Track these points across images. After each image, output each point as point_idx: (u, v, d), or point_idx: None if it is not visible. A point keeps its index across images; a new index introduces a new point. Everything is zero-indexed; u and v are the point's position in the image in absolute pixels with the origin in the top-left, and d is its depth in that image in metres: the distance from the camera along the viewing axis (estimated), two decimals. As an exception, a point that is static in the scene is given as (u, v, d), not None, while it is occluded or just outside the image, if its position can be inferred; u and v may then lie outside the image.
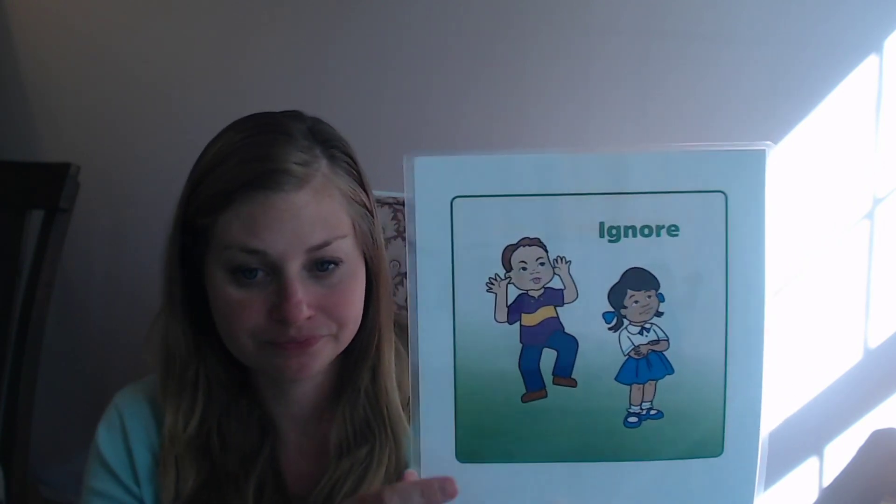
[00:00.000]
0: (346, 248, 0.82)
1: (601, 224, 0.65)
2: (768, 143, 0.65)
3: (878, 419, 1.37)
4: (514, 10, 1.51)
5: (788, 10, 1.35)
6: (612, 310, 0.66)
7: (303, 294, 0.79)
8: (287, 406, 0.91)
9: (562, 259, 0.66)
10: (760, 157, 0.65)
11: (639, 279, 0.66)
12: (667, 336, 0.66)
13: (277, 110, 0.88)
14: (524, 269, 0.66)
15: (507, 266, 0.66)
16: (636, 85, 1.45)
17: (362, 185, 0.86)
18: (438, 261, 0.66)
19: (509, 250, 0.66)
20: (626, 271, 0.66)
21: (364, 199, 0.85)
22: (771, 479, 1.42)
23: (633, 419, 0.67)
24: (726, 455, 0.67)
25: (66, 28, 1.93)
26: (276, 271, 0.79)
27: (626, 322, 0.66)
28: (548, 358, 0.66)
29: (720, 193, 0.65)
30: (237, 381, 0.90)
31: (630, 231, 0.65)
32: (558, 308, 0.66)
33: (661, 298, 0.66)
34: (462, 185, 0.66)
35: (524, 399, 0.67)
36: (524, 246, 0.66)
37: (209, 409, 0.88)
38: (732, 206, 0.65)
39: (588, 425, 0.67)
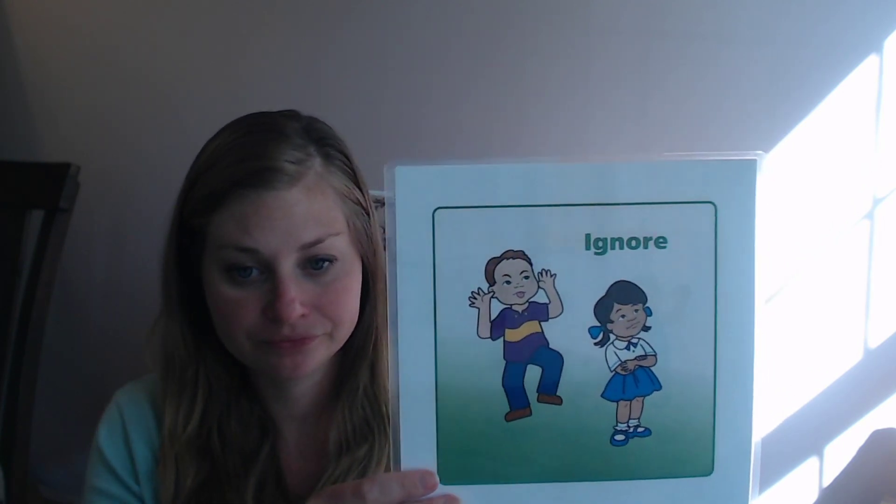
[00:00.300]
0: (341, 246, 0.82)
1: (587, 236, 0.63)
2: (759, 152, 0.64)
3: (878, 419, 1.37)
4: (514, 10, 1.51)
5: (788, 10, 1.35)
6: (598, 324, 0.64)
7: (296, 292, 0.79)
8: (286, 405, 0.91)
9: (547, 272, 0.64)
10: (751, 166, 0.64)
11: (626, 292, 0.64)
12: (654, 351, 0.64)
13: (275, 110, 0.89)
14: (508, 282, 0.64)
15: (491, 279, 0.64)
16: (636, 85, 1.45)
17: (357, 183, 0.86)
18: (420, 273, 0.63)
19: (492, 263, 0.64)
20: (613, 284, 0.64)
21: (359, 197, 0.85)
22: (771, 480, 1.42)
23: (619, 437, 0.65)
24: (717, 474, 0.65)
25: (66, 28, 1.93)
26: (269, 269, 0.79)
27: (612, 337, 0.64)
28: (532, 374, 0.64)
29: (709, 204, 0.63)
30: (237, 381, 0.90)
31: (617, 243, 0.64)
32: (543, 323, 0.64)
33: (648, 312, 0.64)
34: (444, 195, 0.63)
35: (508, 418, 0.65)
36: (508, 259, 0.64)
37: (209, 408, 0.88)
38: (722, 217, 0.63)
39: (574, 444, 0.65)
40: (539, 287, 0.64)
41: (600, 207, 0.63)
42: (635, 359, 0.64)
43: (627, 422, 0.65)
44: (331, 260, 0.81)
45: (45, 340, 1.64)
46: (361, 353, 0.88)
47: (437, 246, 0.63)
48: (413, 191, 0.63)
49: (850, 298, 1.38)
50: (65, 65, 1.95)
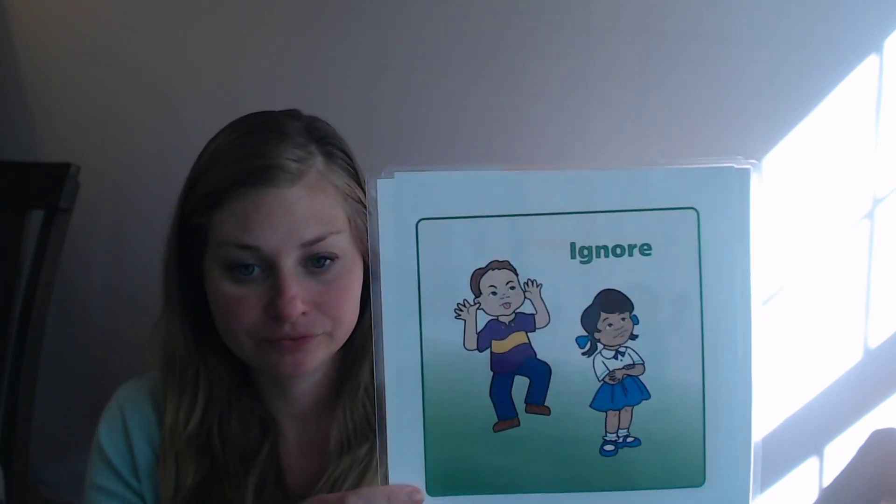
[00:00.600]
0: (342, 244, 0.82)
1: (572, 245, 0.63)
2: (738, 157, 0.64)
3: (878, 419, 1.37)
4: (514, 10, 1.51)
5: (788, 10, 1.35)
6: (585, 334, 0.64)
7: (297, 289, 0.79)
8: (287, 404, 0.91)
9: (533, 282, 0.64)
10: (733, 173, 0.63)
11: (612, 301, 0.64)
12: (642, 360, 0.64)
13: (276, 110, 0.89)
14: (494, 293, 0.63)
15: (476, 291, 0.63)
16: (636, 85, 1.45)
17: (359, 181, 0.86)
18: (404, 286, 0.63)
19: (478, 274, 0.63)
20: (599, 293, 0.64)
21: (360, 195, 0.85)
22: (771, 480, 1.42)
23: (609, 447, 0.65)
24: (708, 484, 0.65)
25: (66, 28, 1.93)
26: (270, 267, 0.80)
27: (599, 346, 0.64)
28: (520, 385, 0.64)
29: (692, 210, 0.63)
30: (238, 380, 0.90)
31: (602, 251, 0.63)
32: (530, 334, 0.64)
33: (635, 321, 0.64)
34: (427, 206, 0.63)
35: (496, 428, 0.64)
36: (493, 269, 0.63)
37: (210, 407, 0.89)
38: (705, 223, 0.63)
39: (563, 454, 0.64)
40: (525, 297, 0.64)
41: (584, 216, 0.63)
42: (623, 368, 0.64)
43: (616, 432, 0.65)
44: (332, 258, 0.81)
45: (45, 340, 1.64)
46: (362, 352, 0.89)
47: (422, 257, 0.63)
48: (395, 203, 0.63)
49: (850, 298, 1.38)
50: (65, 65, 1.95)
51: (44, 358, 1.64)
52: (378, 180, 0.63)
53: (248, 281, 0.80)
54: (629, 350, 0.64)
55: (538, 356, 0.64)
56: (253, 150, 0.81)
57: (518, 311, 0.64)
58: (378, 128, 1.61)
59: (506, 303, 0.64)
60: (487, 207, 0.63)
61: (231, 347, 0.85)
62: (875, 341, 1.38)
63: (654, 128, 1.45)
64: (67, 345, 1.99)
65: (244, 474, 0.87)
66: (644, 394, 0.64)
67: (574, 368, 0.64)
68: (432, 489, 0.64)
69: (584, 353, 0.64)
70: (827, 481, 1.42)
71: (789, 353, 1.40)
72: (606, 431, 0.65)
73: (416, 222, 0.63)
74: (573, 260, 0.63)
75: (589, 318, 0.64)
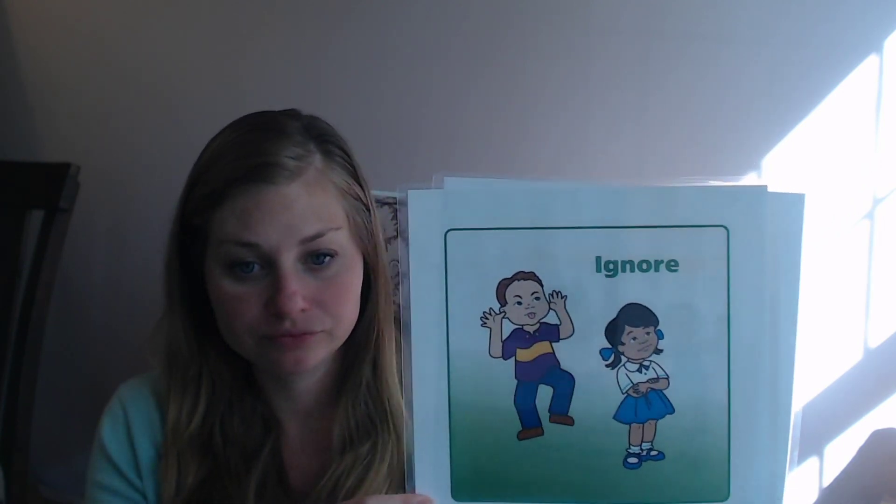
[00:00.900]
0: (341, 241, 0.82)
1: (598, 258, 0.64)
2: (773, 178, 0.65)
3: (878, 419, 1.37)
4: (514, 10, 1.51)
5: (788, 10, 1.35)
6: (609, 346, 0.64)
7: (297, 286, 0.79)
8: (289, 401, 0.91)
9: (558, 294, 0.64)
10: (762, 192, 0.64)
11: (637, 315, 0.64)
12: (667, 374, 0.64)
13: (276, 110, 0.89)
14: (519, 303, 0.65)
15: (502, 300, 0.64)
16: (636, 85, 1.45)
17: (358, 179, 0.86)
18: (432, 294, 0.64)
19: (504, 284, 0.64)
20: (624, 307, 0.64)
21: (359, 193, 0.86)
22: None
23: (632, 460, 0.65)
24: (733, 500, 0.65)
25: (66, 28, 1.94)
26: (271, 264, 0.80)
27: (624, 359, 0.64)
28: (544, 395, 0.65)
29: (722, 228, 0.64)
30: (240, 379, 0.90)
31: (628, 266, 0.64)
32: (554, 344, 0.65)
33: (660, 335, 0.64)
34: (456, 217, 0.64)
35: (520, 436, 0.65)
36: (519, 280, 0.65)
37: (212, 406, 0.89)
38: (735, 241, 0.64)
39: (586, 465, 0.65)
40: (550, 308, 0.65)
41: (611, 230, 0.64)
42: (647, 381, 0.64)
43: (640, 445, 0.65)
44: (332, 255, 0.81)
45: (45, 340, 1.64)
46: (363, 349, 0.89)
47: (450, 267, 0.64)
48: (425, 213, 0.64)
49: (850, 298, 1.38)
50: (65, 65, 1.95)
51: (44, 358, 1.64)
52: (409, 191, 0.64)
53: (249, 279, 0.81)
54: (653, 364, 0.65)
55: (562, 366, 0.65)
56: (252, 149, 0.81)
57: (543, 321, 0.65)
58: (378, 127, 1.61)
59: (531, 313, 0.65)
60: (515, 219, 0.64)
61: (232, 346, 0.85)
62: (875, 341, 1.38)
63: (655, 128, 1.45)
64: (67, 345, 1.99)
65: (246, 473, 0.87)
66: (668, 408, 0.65)
67: (598, 380, 0.64)
68: (457, 495, 0.65)
69: (607, 365, 0.65)
70: (827, 481, 1.42)
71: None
72: (630, 444, 0.65)
73: (444, 232, 0.64)
74: (598, 273, 0.64)
75: (613, 331, 0.64)
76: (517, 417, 0.65)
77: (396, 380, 0.89)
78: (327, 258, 0.81)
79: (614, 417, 0.65)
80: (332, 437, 0.89)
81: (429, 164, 1.60)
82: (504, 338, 0.65)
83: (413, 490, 0.64)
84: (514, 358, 0.65)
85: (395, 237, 1.24)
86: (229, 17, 1.77)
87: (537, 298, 0.65)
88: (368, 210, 0.87)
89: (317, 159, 0.83)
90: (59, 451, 1.95)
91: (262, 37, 1.73)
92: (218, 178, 0.81)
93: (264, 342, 0.82)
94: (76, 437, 1.57)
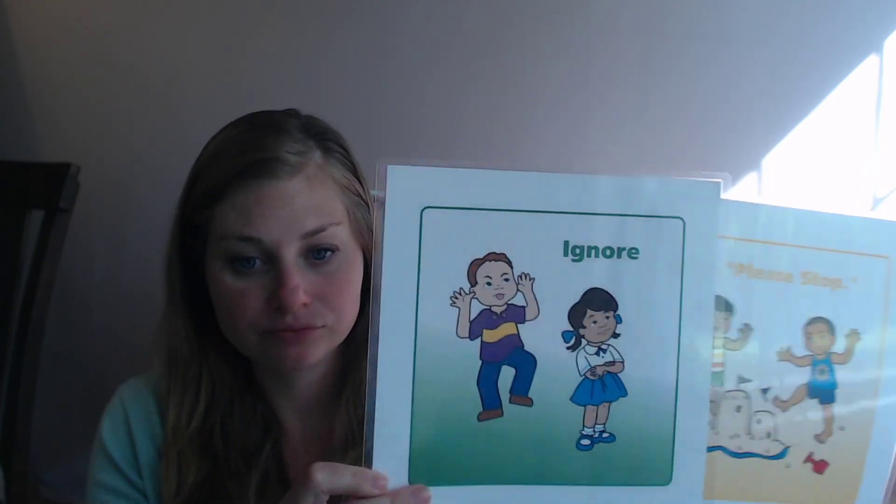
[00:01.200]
0: (342, 236, 0.83)
1: (566, 243, 0.66)
2: (727, 174, 0.67)
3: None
4: (514, 10, 1.51)
5: (788, 10, 1.35)
6: (571, 329, 0.66)
7: (299, 280, 0.80)
8: (291, 400, 0.91)
9: (526, 276, 0.66)
10: (716, 188, 0.67)
11: (598, 300, 0.66)
12: (622, 358, 0.66)
13: (275, 110, 0.89)
14: (489, 283, 0.65)
15: (472, 280, 0.65)
16: (636, 85, 1.45)
17: (357, 175, 0.87)
18: (405, 270, 0.65)
19: (475, 264, 0.65)
20: (587, 291, 0.66)
21: (359, 189, 0.86)
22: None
23: (585, 441, 0.66)
24: (675, 484, 0.67)
25: (66, 28, 1.94)
26: (272, 259, 0.80)
27: (584, 342, 0.66)
28: (506, 376, 0.66)
29: (678, 219, 0.66)
30: (240, 378, 0.90)
31: (593, 251, 0.66)
32: (520, 325, 0.66)
33: (618, 320, 0.66)
34: (433, 195, 0.65)
35: (480, 417, 0.66)
36: (490, 261, 0.65)
37: (212, 405, 0.89)
38: (689, 232, 0.66)
39: (542, 447, 0.66)
40: (518, 290, 0.66)
41: (579, 216, 0.66)
42: (604, 364, 0.66)
43: (594, 426, 0.66)
44: (332, 250, 0.82)
45: (45, 340, 1.64)
46: (364, 346, 0.89)
47: (423, 244, 0.65)
48: (403, 189, 0.65)
49: None
50: (65, 65, 1.95)
51: (44, 358, 1.64)
52: (389, 166, 0.64)
53: (250, 274, 0.81)
54: (611, 348, 0.66)
55: (525, 347, 0.66)
56: (252, 145, 0.81)
57: (510, 302, 0.66)
58: (378, 127, 1.61)
59: (499, 294, 0.66)
60: (490, 202, 0.65)
61: (234, 343, 0.85)
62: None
63: (655, 127, 1.45)
64: (67, 345, 1.99)
65: (246, 472, 0.87)
66: (622, 391, 0.66)
67: (558, 362, 0.66)
68: (415, 477, 0.66)
69: (568, 348, 0.66)
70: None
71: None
72: (584, 426, 0.66)
73: (420, 210, 0.65)
74: (566, 257, 0.66)
75: (576, 315, 0.66)
76: (479, 398, 0.66)
77: None
78: (328, 253, 0.82)
79: (571, 399, 0.66)
80: (333, 436, 0.90)
81: (429, 162, 1.60)
82: (471, 318, 0.65)
83: (370, 466, 0.65)
84: (479, 339, 0.66)
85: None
86: (229, 17, 1.77)
87: (506, 280, 0.66)
88: (368, 206, 0.87)
89: (316, 155, 0.83)
90: (59, 451, 1.95)
91: (262, 37, 1.73)
92: (218, 174, 0.81)
93: (266, 337, 0.82)
94: (76, 437, 1.57)
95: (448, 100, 1.58)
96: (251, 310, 0.81)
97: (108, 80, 1.90)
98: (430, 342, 0.65)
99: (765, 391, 0.69)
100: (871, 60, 1.32)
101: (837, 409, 0.69)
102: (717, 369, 0.69)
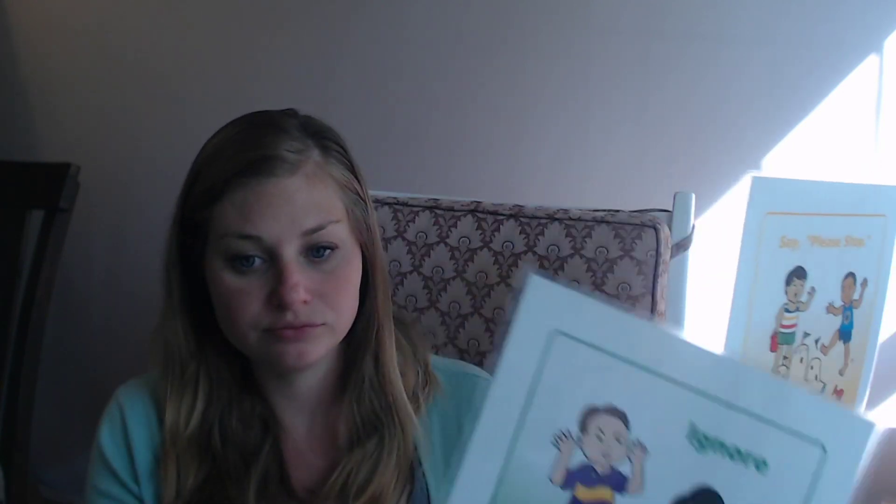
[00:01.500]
0: (341, 234, 0.83)
1: (692, 425, 0.59)
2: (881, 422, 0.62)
3: (878, 419, 1.37)
4: (514, 10, 1.51)
5: (788, 11, 1.35)
6: None
7: (300, 277, 0.80)
8: (292, 400, 0.91)
9: (640, 445, 0.60)
10: (869, 427, 0.62)
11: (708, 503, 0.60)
12: None
13: (272, 110, 0.89)
14: (599, 438, 0.60)
15: (583, 428, 0.60)
16: (636, 85, 1.45)
17: (355, 174, 0.87)
18: (516, 392, 0.60)
19: (591, 413, 0.60)
20: (701, 490, 0.60)
21: (357, 187, 0.86)
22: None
23: None
24: None
25: (66, 28, 1.94)
26: (272, 257, 0.80)
27: None
28: None
29: (819, 447, 0.60)
30: (239, 378, 0.90)
31: (719, 447, 0.60)
32: (617, 494, 0.60)
33: None
34: (568, 322, 0.60)
35: None
36: (608, 415, 0.60)
37: (210, 406, 0.89)
38: (828, 464, 0.60)
39: None
40: (627, 457, 0.60)
41: (718, 403, 0.60)
42: None
43: None
44: (332, 248, 0.82)
45: (45, 340, 1.64)
46: (364, 344, 0.89)
47: (545, 369, 0.60)
48: (539, 305, 0.60)
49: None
50: (65, 65, 1.95)
51: (44, 358, 1.64)
52: (531, 275, 0.60)
53: (250, 272, 0.81)
54: None
55: None
56: (251, 144, 0.82)
57: (615, 466, 0.61)
58: (379, 128, 1.61)
59: (607, 453, 0.61)
60: (627, 351, 0.60)
61: (234, 342, 0.85)
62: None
63: (654, 128, 1.45)
64: (67, 345, 1.99)
65: (245, 473, 0.87)
66: None
67: None
68: None
69: None
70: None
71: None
72: None
73: (551, 332, 0.60)
74: (688, 442, 0.60)
75: None
76: None
77: (398, 373, 0.90)
78: (327, 251, 0.82)
79: None
80: (337, 435, 0.90)
81: (429, 164, 1.60)
82: (570, 467, 0.61)
83: None
84: (571, 492, 0.61)
85: (395, 237, 1.24)
86: (230, 17, 1.77)
87: (619, 441, 0.60)
88: (366, 204, 0.87)
89: (315, 153, 0.83)
90: (59, 451, 1.95)
91: (263, 37, 1.73)
92: (217, 173, 0.81)
93: (266, 335, 0.82)
94: (76, 437, 1.57)
95: (448, 100, 1.58)
96: (251, 308, 0.81)
97: (108, 80, 1.90)
98: (519, 474, 0.60)
99: (816, 341, 0.77)
100: (871, 60, 1.32)
101: (852, 344, 0.79)
102: (792, 331, 0.75)
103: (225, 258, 0.81)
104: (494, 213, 1.21)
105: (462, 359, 1.16)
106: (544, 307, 0.60)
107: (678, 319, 1.05)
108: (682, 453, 0.59)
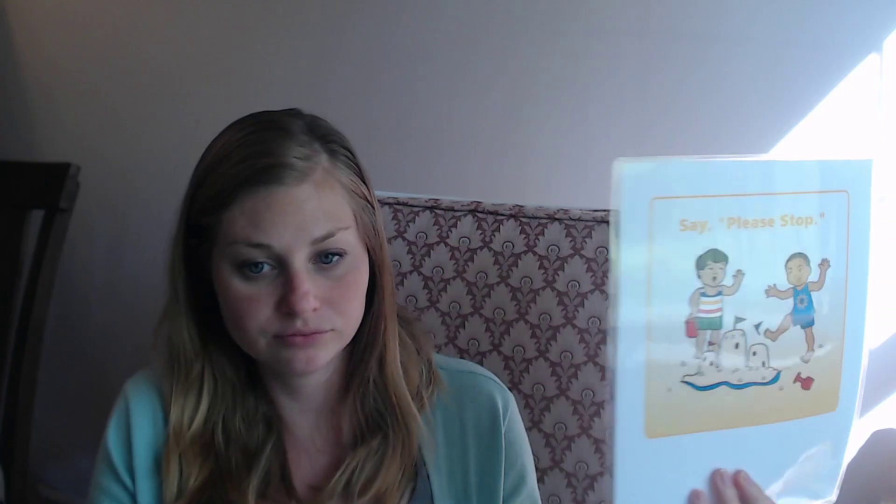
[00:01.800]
0: (350, 240, 0.83)
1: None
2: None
3: (878, 419, 1.37)
4: (514, 11, 1.51)
5: (788, 11, 1.35)
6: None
7: (309, 285, 0.80)
8: (297, 400, 0.92)
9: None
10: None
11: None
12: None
13: (278, 109, 0.89)
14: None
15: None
16: (634, 84, 1.45)
17: (362, 178, 0.87)
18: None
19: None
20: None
21: (365, 191, 0.86)
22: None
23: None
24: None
25: (66, 28, 1.94)
26: (281, 264, 0.80)
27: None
28: None
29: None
30: (243, 378, 0.91)
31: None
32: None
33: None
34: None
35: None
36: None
37: (214, 405, 0.89)
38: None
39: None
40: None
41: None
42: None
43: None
44: (341, 254, 0.82)
45: (45, 340, 1.64)
46: (370, 346, 0.89)
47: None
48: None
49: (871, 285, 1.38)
50: (65, 64, 1.95)
51: (44, 358, 1.64)
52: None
53: (259, 278, 0.81)
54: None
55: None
56: (259, 149, 0.81)
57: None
58: (379, 127, 1.61)
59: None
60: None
61: (242, 346, 0.85)
62: (875, 341, 1.38)
63: (654, 128, 1.45)
64: (67, 345, 1.99)
65: (247, 473, 0.87)
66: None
67: None
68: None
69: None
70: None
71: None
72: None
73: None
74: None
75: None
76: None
77: (400, 373, 0.90)
78: (336, 257, 0.82)
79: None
80: (341, 433, 0.91)
81: (429, 164, 1.60)
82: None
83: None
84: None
85: (395, 237, 1.24)
86: (230, 17, 1.77)
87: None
88: (373, 207, 0.88)
89: (323, 159, 0.83)
90: (59, 451, 1.95)
91: (263, 36, 1.73)
92: (225, 178, 0.81)
93: (275, 342, 0.82)
94: (76, 437, 1.58)
95: (448, 100, 1.58)
96: (260, 315, 0.81)
97: (108, 80, 1.90)
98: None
99: (757, 326, 0.75)
100: (871, 60, 1.31)
101: (817, 330, 0.78)
102: (717, 315, 0.74)
103: (233, 264, 0.81)
104: (494, 213, 1.21)
105: (462, 359, 1.16)
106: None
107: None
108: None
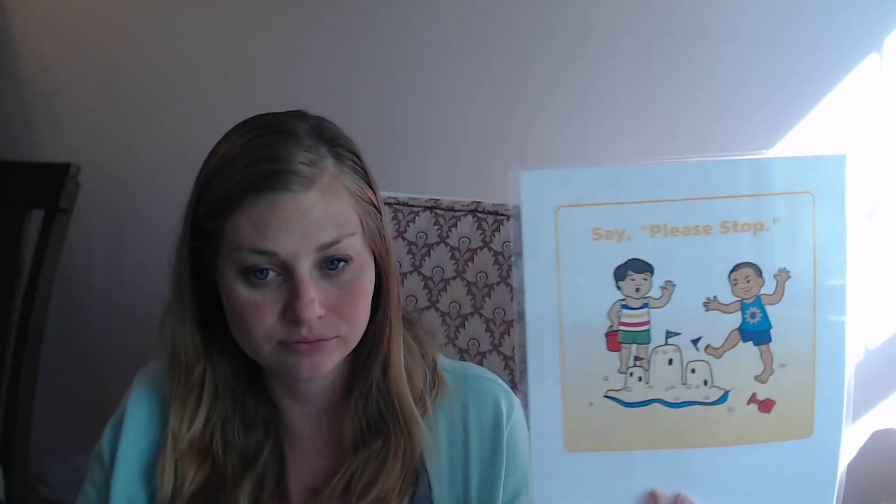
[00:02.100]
0: (356, 246, 0.82)
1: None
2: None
3: (878, 419, 1.37)
4: (517, 11, 1.51)
5: (789, 11, 1.35)
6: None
7: (315, 293, 0.79)
8: (300, 402, 0.91)
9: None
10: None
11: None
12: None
13: (282, 111, 0.88)
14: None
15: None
16: (637, 85, 1.45)
17: (369, 182, 0.86)
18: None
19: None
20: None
21: (371, 196, 0.85)
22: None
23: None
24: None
25: (66, 28, 1.94)
26: (287, 271, 0.80)
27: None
28: None
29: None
30: (244, 381, 0.90)
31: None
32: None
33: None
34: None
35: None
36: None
37: (213, 409, 0.89)
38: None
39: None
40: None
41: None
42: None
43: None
44: (346, 260, 0.81)
45: (45, 340, 1.64)
46: (375, 350, 0.89)
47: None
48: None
49: (850, 298, 1.38)
50: (65, 65, 1.95)
51: (44, 358, 1.64)
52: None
53: (264, 285, 0.80)
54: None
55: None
56: (265, 154, 0.80)
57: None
58: (379, 127, 1.61)
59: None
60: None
61: (247, 351, 0.85)
62: (875, 341, 1.38)
63: (656, 128, 1.45)
64: (67, 345, 1.99)
65: (242, 479, 0.87)
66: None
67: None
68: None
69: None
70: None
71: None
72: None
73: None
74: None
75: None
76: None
77: (404, 377, 0.90)
78: (342, 264, 0.81)
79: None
80: (342, 437, 0.90)
81: (429, 164, 1.60)
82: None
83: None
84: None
85: (395, 238, 1.24)
86: (230, 17, 1.77)
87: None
88: (380, 213, 0.87)
89: (329, 164, 0.82)
90: (59, 451, 1.95)
91: (263, 38, 1.73)
92: (230, 184, 0.80)
93: (280, 348, 0.82)
94: (76, 437, 1.57)
95: (449, 101, 1.59)
96: (265, 321, 0.80)
97: (108, 81, 1.90)
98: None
99: (695, 341, 0.70)
100: (871, 60, 1.32)
101: (775, 347, 0.70)
102: (643, 328, 0.70)
103: (239, 270, 0.81)
104: (494, 213, 1.21)
105: (462, 359, 1.16)
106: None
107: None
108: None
